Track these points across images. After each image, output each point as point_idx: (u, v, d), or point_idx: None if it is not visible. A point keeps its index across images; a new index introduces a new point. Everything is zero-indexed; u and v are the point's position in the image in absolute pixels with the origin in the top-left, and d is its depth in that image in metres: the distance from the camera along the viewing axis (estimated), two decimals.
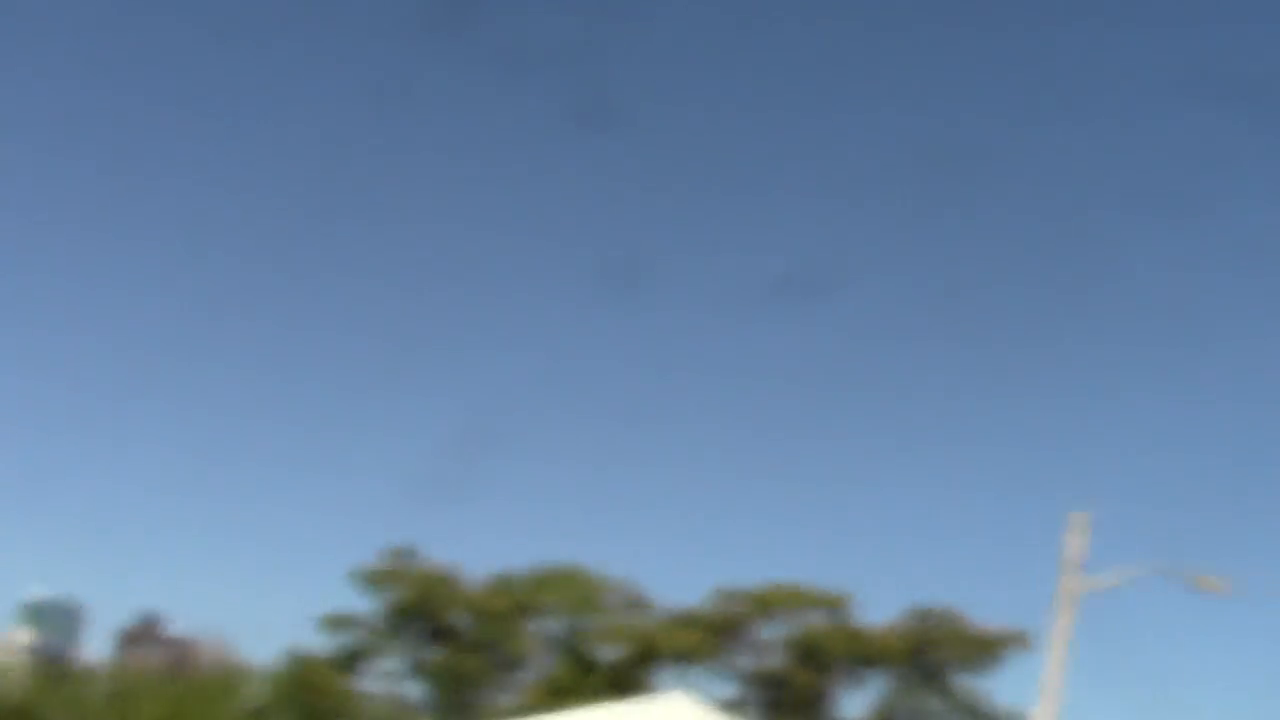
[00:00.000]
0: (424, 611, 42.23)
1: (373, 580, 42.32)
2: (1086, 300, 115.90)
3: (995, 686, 41.83)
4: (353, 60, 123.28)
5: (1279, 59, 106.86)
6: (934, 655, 41.26)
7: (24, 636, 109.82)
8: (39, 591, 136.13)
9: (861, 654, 41.05)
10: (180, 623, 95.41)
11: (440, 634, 42.44)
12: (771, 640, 42.19)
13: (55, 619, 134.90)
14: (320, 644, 43.13)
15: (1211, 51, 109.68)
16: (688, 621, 41.67)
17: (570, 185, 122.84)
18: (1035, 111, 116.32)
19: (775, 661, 41.87)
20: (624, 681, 40.55)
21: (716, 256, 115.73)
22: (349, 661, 42.86)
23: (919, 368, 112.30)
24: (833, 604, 41.91)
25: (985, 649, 40.87)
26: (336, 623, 42.59)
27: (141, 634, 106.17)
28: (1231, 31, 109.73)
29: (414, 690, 43.46)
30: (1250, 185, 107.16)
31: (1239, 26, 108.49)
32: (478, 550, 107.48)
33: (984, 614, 46.84)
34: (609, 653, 42.13)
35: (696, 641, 40.97)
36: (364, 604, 42.92)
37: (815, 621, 41.66)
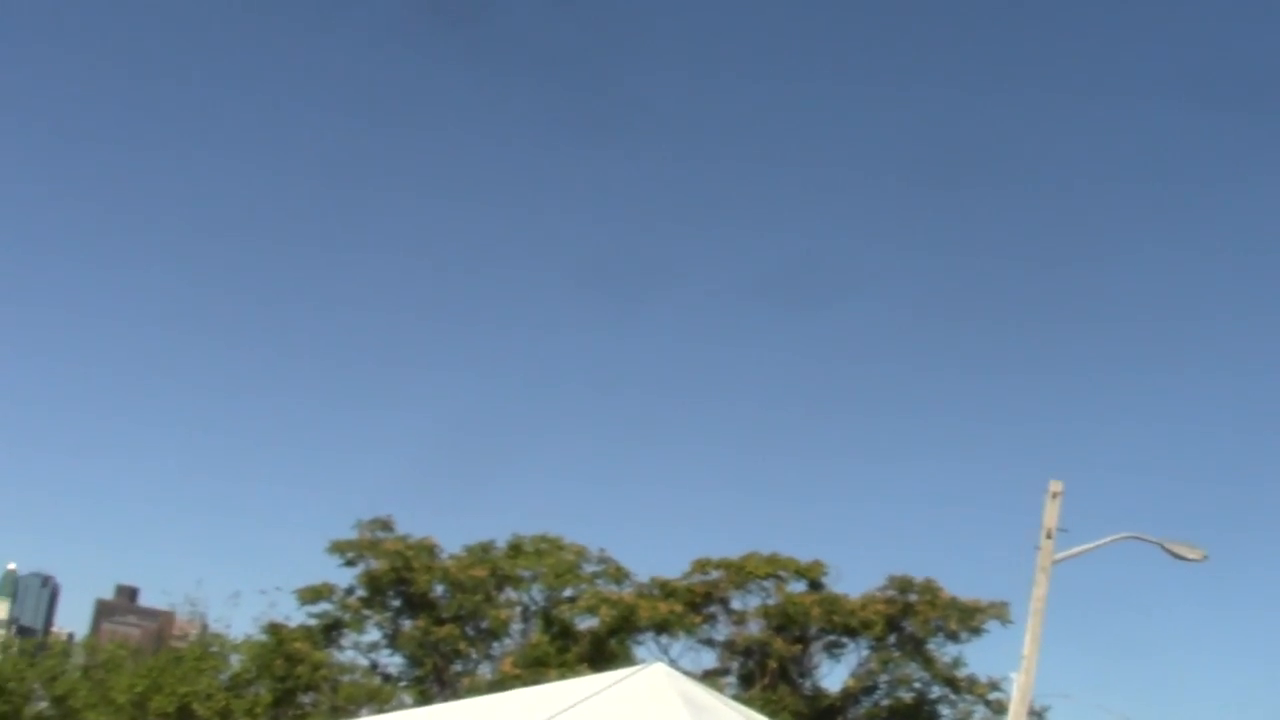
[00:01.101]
0: (401, 582, 42.13)
1: (349, 551, 42.17)
2: (1069, 286, 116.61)
3: (974, 655, 41.92)
4: (361, 59, 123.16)
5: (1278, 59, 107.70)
6: (914, 625, 41.29)
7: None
8: (14, 565, 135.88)
9: (841, 623, 41.07)
10: (155, 595, 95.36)
11: (417, 605, 42.33)
12: (749, 610, 42.19)
13: (30, 592, 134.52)
14: (298, 617, 43.00)
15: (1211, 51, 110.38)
16: (667, 591, 41.66)
17: (566, 189, 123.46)
18: (1036, 109, 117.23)
19: (754, 631, 41.88)
20: (603, 652, 40.50)
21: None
22: (326, 633, 42.74)
23: (902, 349, 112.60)
24: (811, 573, 41.94)
25: (965, 618, 40.94)
26: (313, 594, 42.43)
27: (117, 606, 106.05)
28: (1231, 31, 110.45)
29: (392, 662, 43.36)
30: (1246, 183, 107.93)
31: (1239, 26, 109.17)
32: (459, 525, 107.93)
33: (962, 585, 47.12)
34: (587, 623, 42.06)
35: (675, 611, 40.92)
36: (342, 576, 42.77)
37: (794, 591, 41.71)
